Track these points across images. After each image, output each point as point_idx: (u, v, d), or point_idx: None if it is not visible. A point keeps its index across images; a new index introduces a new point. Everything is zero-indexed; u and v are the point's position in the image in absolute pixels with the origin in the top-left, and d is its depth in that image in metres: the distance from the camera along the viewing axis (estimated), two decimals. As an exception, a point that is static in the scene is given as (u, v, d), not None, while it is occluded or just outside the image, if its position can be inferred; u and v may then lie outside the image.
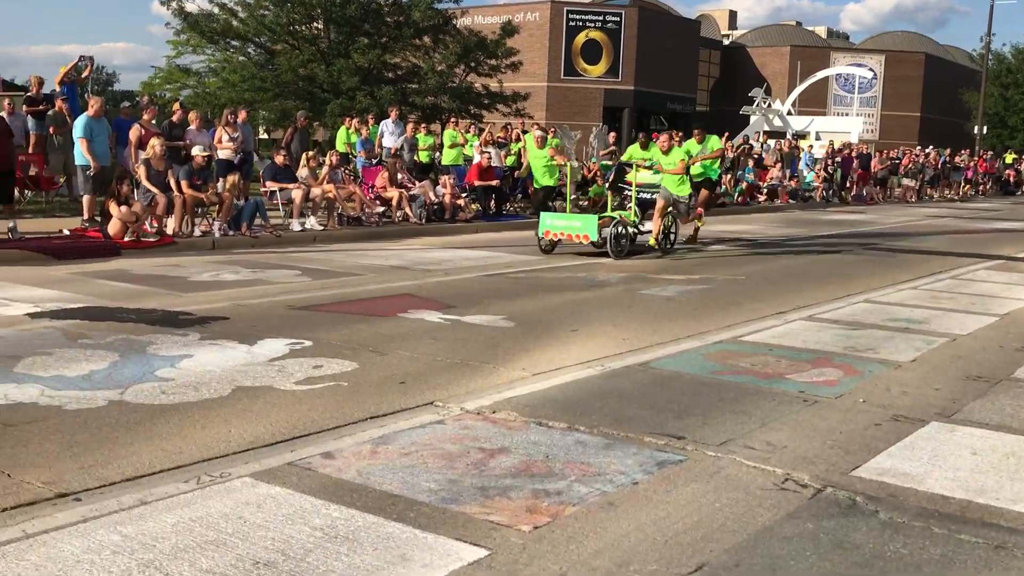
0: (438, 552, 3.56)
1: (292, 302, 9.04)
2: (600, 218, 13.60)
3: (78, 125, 13.63)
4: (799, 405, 5.82)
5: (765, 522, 3.95)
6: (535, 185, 15.02)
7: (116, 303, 8.60)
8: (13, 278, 9.86)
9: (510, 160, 20.96)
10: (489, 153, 19.30)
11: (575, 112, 47.67)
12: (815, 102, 55.01)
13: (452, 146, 20.19)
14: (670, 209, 14.01)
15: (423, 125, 21.94)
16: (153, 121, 14.98)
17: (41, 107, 16.25)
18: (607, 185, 14.69)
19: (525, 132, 23.16)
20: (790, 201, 27.86)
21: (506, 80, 32.37)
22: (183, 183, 13.42)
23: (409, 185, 17.73)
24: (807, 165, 30.55)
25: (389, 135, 20.37)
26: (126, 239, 12.32)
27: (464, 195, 18.49)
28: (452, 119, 23.25)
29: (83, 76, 18.83)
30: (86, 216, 13.54)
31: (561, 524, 3.86)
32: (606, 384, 6.19)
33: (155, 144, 13.23)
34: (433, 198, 17.69)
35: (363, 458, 4.59)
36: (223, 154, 15.69)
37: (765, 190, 27.63)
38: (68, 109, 15.90)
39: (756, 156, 28.93)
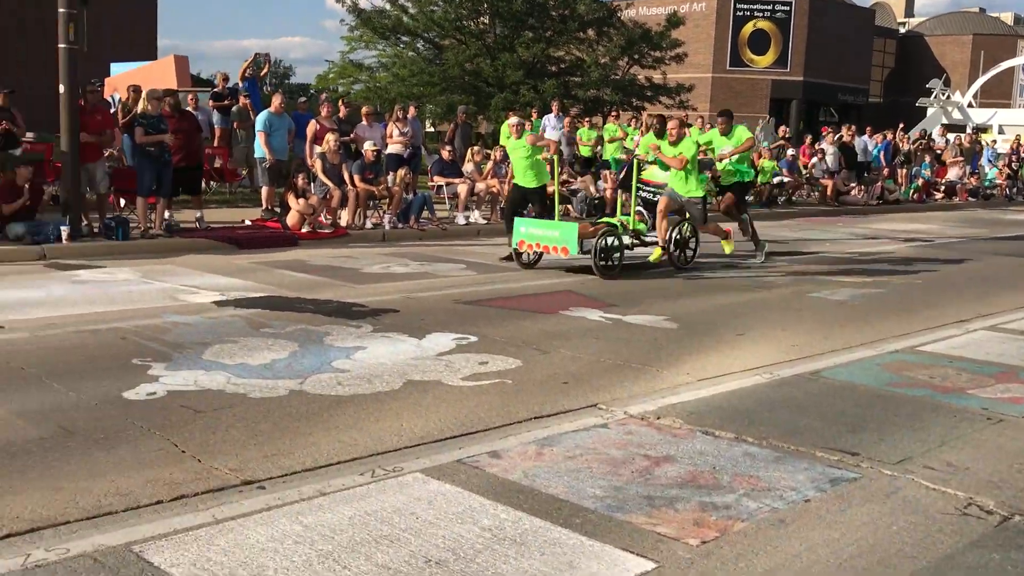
0: (605, 562, 3.57)
1: (458, 296, 9.23)
2: (594, 224, 11.35)
3: (259, 120, 14.38)
4: (982, 423, 5.51)
5: (946, 549, 3.77)
6: (515, 183, 11.96)
7: (295, 293, 9.01)
8: (201, 266, 10.48)
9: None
10: (652, 147, 19.10)
11: (741, 104, 46.56)
12: (999, 93, 51.83)
13: (611, 140, 20.09)
14: (679, 217, 11.46)
15: (586, 119, 21.96)
16: (332, 116, 15.56)
17: (226, 102, 17.18)
18: (616, 183, 11.97)
19: (689, 125, 22.83)
20: (969, 199, 26.35)
21: (670, 72, 31.96)
22: (356, 177, 13.92)
23: (570, 180, 17.77)
24: (989, 161, 28.84)
25: (551, 129, 20.46)
26: (303, 230, 12.89)
27: (626, 190, 18.37)
28: (614, 113, 23.13)
29: (262, 72, 19.76)
30: (264, 207, 14.25)
31: (730, 540, 3.80)
32: (775, 393, 6.04)
33: (330, 139, 13.77)
34: (594, 192, 17.67)
35: (529, 459, 4.65)
36: (393, 149, 16.16)
37: (943, 187, 26.24)
38: (251, 104, 16.74)
39: (938, 151, 27.50)
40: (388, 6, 29.56)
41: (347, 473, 4.42)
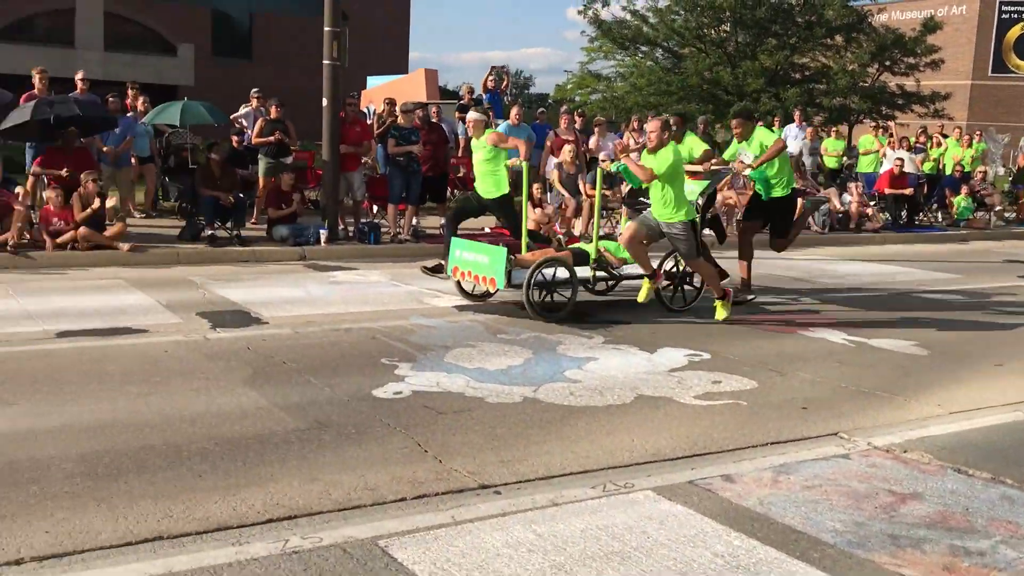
0: (844, 600, 3.42)
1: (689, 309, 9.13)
2: (557, 249, 9.28)
3: (498, 131, 14.81)
4: None
5: None
6: (474, 189, 10.04)
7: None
8: (442, 272, 10.92)
9: (928, 167, 19.50)
10: (902, 159, 18.09)
11: (1003, 112, 43.14)
12: None
13: (865, 152, 19.18)
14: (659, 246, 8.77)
15: (834, 128, 21.12)
16: (569, 127, 15.80)
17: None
18: (622, 199, 9.27)
19: (945, 136, 21.41)
20: None
21: (924, 79, 30.12)
22: (588, 187, 14.07)
23: (811, 192, 17.12)
24: None
25: (792, 139, 19.81)
26: (538, 239, 13.17)
27: (872, 204, 17.52)
28: (875, 124, 22.03)
29: (503, 85, 20.33)
30: (500, 214, 14.69)
31: (984, 590, 3.54)
32: (1039, 432, 5.57)
33: (567, 151, 13.99)
34: (838, 206, 16.94)
35: (764, 486, 4.53)
36: (628, 158, 16.17)
37: None
38: (493, 115, 17.28)
39: None
40: (628, 16, 29.66)
41: (579, 485, 4.48)
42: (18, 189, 11.21)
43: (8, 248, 10.22)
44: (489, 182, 9.47)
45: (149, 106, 14.68)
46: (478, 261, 8.69)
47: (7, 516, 3.87)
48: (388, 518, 4.02)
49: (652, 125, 8.39)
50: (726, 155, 9.87)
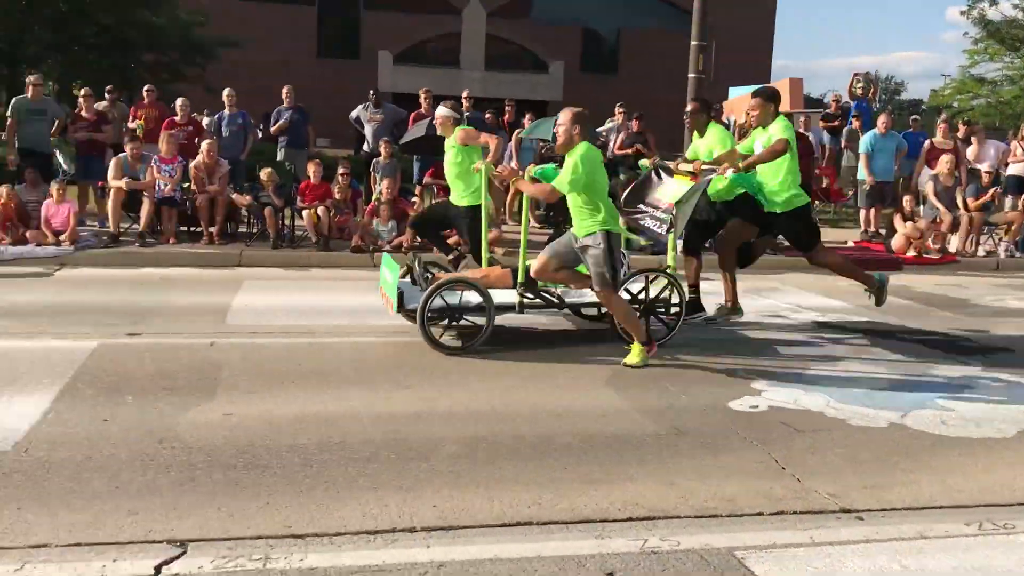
0: None
1: (1088, 341, 8.19)
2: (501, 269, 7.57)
3: (862, 141, 14.27)
4: None
5: None
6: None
7: (897, 320, 8.74)
8: (802, 284, 10.59)
9: None
10: None
11: None
12: None
13: None
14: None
15: None
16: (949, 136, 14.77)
17: (835, 123, 17.18)
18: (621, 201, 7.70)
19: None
20: None
21: None
22: (969, 201, 13.03)
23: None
24: None
25: None
26: (908, 254, 12.43)
27: None
28: None
29: (871, 92, 19.35)
30: (862, 228, 14.04)
31: None
32: None
33: (944, 161, 13.07)
34: None
35: None
36: (1014, 170, 14.74)
37: None
38: (861, 124, 16.53)
39: None
40: (1020, 15, 27.02)
41: (951, 520, 4.21)
42: (414, 198, 12.48)
43: (403, 250, 11.40)
44: (461, 186, 8.18)
45: (532, 121, 15.66)
46: (386, 280, 7.45)
47: (403, 488, 4.36)
48: (744, 530, 4.04)
49: (563, 117, 6.67)
50: (741, 149, 7.81)
